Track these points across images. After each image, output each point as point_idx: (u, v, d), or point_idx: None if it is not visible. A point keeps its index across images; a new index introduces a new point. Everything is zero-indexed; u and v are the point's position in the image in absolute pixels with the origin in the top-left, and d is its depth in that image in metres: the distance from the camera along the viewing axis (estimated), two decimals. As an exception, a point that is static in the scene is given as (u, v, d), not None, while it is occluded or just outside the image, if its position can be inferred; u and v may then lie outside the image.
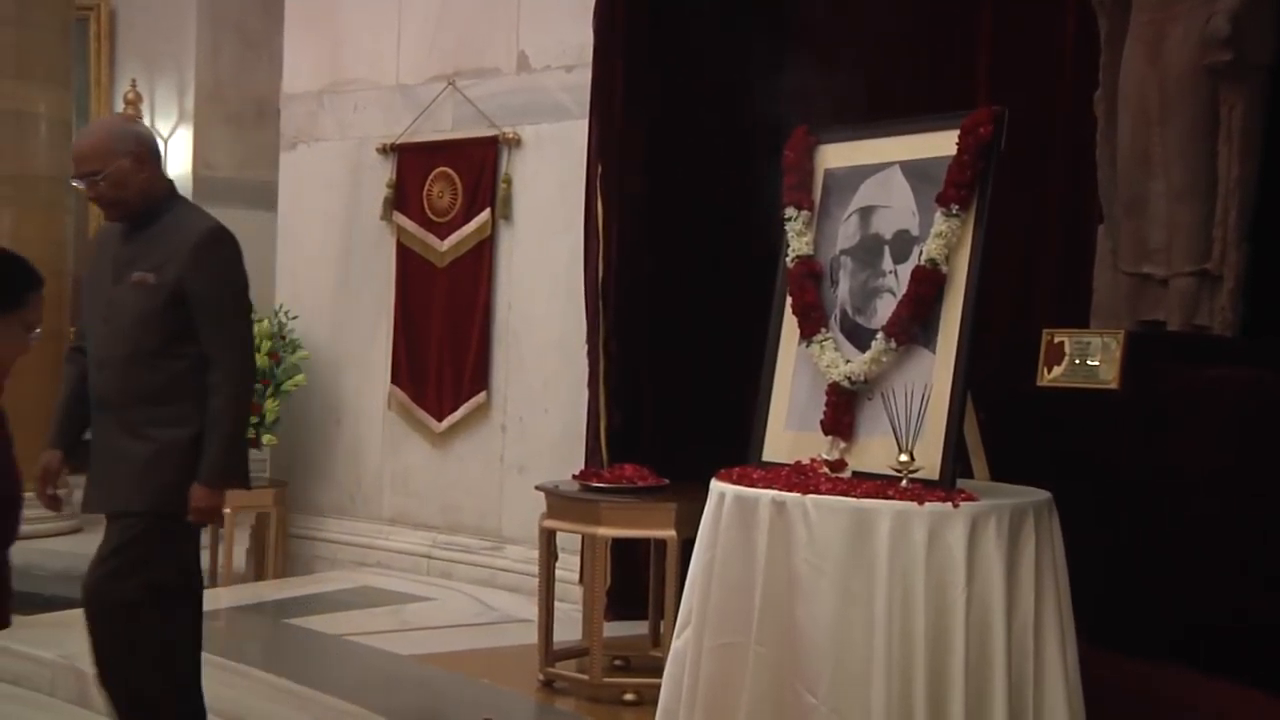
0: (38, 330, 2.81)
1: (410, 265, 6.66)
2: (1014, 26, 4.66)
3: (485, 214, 6.38)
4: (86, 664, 4.51)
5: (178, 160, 10.07)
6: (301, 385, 6.87)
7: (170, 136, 10.12)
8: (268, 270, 7.46)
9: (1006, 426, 3.80)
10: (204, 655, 4.69)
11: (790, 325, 3.84)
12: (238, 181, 9.85)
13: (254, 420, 6.68)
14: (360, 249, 6.91)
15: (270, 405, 6.73)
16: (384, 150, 6.77)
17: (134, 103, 10.12)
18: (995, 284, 4.06)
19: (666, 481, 4.53)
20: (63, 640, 4.86)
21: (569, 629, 4.82)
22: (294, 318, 6.97)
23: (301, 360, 6.92)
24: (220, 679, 4.43)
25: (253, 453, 6.87)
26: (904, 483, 3.28)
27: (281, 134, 7.40)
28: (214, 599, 5.99)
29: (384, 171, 6.77)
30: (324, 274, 7.07)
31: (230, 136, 10.02)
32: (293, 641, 5.08)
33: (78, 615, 5.41)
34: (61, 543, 8.07)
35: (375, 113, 6.89)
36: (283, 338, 6.90)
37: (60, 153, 8.52)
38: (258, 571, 6.78)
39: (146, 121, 10.13)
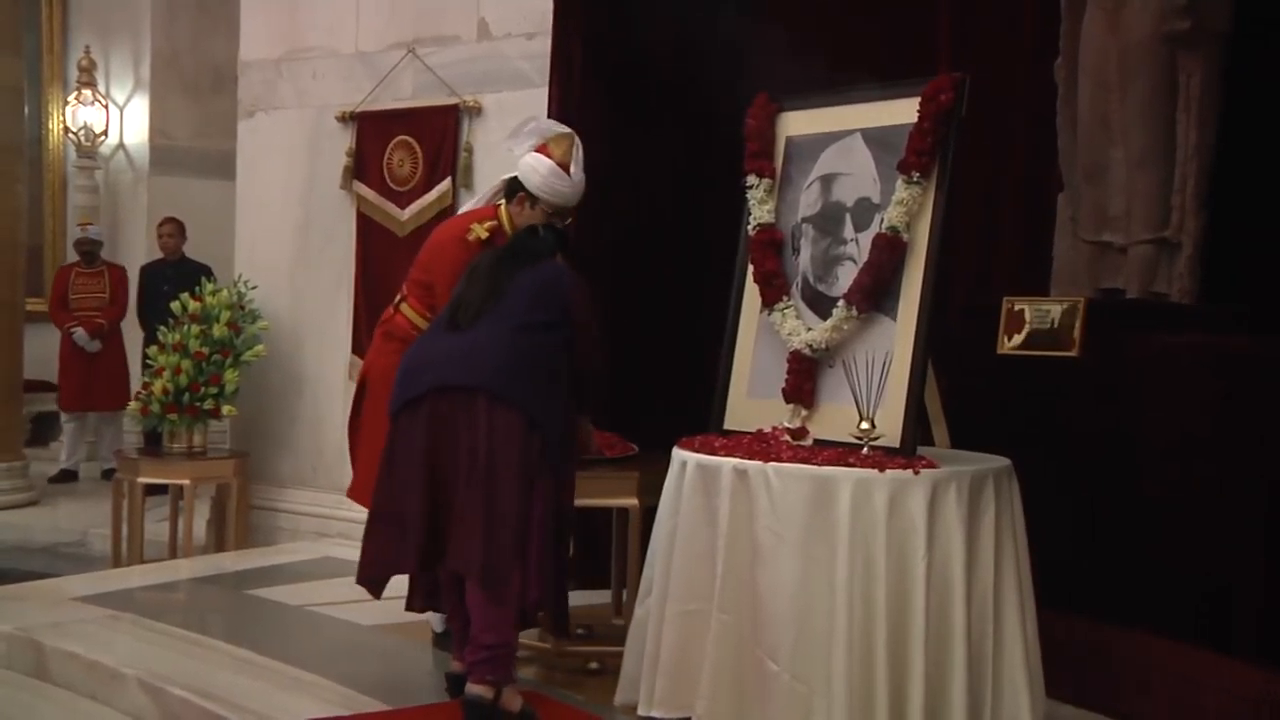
0: None
1: (371, 234, 6.61)
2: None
3: (446, 183, 6.33)
4: (43, 635, 4.50)
5: (133, 129, 9.95)
6: (262, 356, 6.82)
7: (125, 105, 9.99)
8: (227, 240, 7.40)
9: (967, 394, 3.82)
10: (164, 627, 4.69)
11: (752, 293, 3.85)
12: (195, 150, 9.75)
13: (214, 391, 6.63)
14: (320, 218, 6.84)
15: (230, 376, 6.67)
16: (343, 118, 6.70)
17: (88, 70, 9.96)
18: (956, 252, 4.08)
19: (635, 449, 4.49)
20: (19, 613, 4.82)
21: (532, 598, 4.80)
22: (253, 288, 6.91)
23: (261, 330, 6.86)
24: (182, 650, 4.42)
25: (213, 424, 6.85)
26: (865, 450, 3.29)
27: (239, 102, 7.30)
28: (174, 570, 5.97)
29: (343, 140, 6.71)
30: (283, 244, 7.00)
31: (187, 105, 9.89)
32: (254, 612, 5.06)
33: (33, 587, 5.40)
34: (17, 515, 8.02)
35: (334, 81, 6.82)
36: (242, 308, 6.84)
37: (12, 122, 8.39)
38: (218, 543, 6.74)
39: (101, 90, 10.00)
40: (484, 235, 4.28)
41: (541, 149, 4.26)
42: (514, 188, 4.34)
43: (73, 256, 9.57)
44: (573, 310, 3.77)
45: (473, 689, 3.52)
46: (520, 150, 4.33)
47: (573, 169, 4.24)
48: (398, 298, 4.50)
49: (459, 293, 3.81)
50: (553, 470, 3.62)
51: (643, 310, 5.44)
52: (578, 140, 4.32)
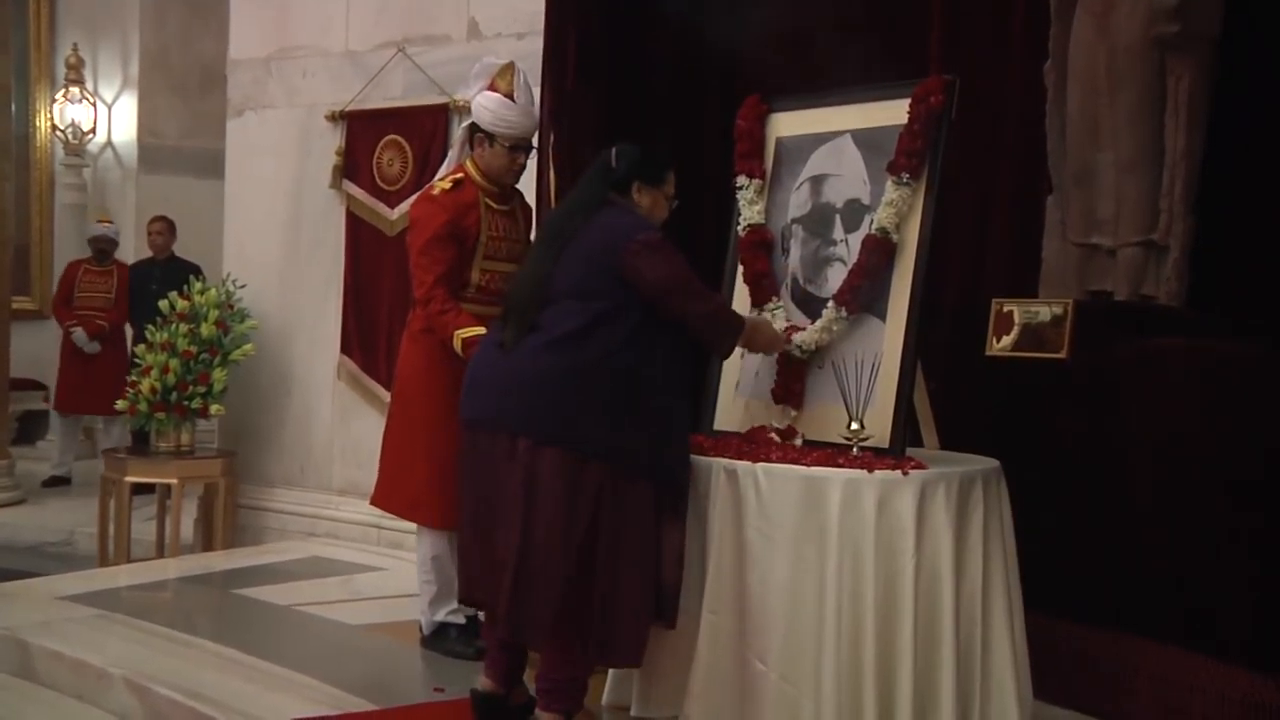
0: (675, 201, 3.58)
1: (360, 234, 6.60)
2: (966, -4, 4.67)
3: (435, 182, 6.33)
4: (29, 635, 4.48)
5: (122, 128, 9.92)
6: (250, 355, 6.80)
7: (114, 104, 9.95)
8: (215, 239, 7.39)
9: (956, 395, 3.83)
10: (151, 626, 4.68)
11: (741, 294, 3.86)
12: (184, 149, 9.73)
13: (201, 390, 6.62)
14: (309, 217, 6.83)
15: (218, 375, 6.65)
16: (333, 118, 6.69)
17: (76, 68, 9.93)
18: (945, 253, 4.08)
19: None
20: (5, 612, 4.81)
21: (520, 598, 4.79)
22: (242, 286, 6.89)
23: (250, 330, 6.85)
24: (169, 650, 4.41)
25: (201, 423, 6.84)
26: (854, 451, 3.30)
27: (228, 101, 7.28)
28: (162, 570, 5.96)
29: (333, 139, 6.70)
30: (272, 243, 6.99)
31: (176, 103, 9.87)
32: (242, 612, 5.05)
33: (19, 586, 5.38)
34: (3, 514, 8.00)
35: (324, 80, 6.81)
36: (230, 307, 6.83)
37: (-1, 118, 8.38)
38: (206, 542, 6.72)
39: (89, 87, 9.96)
40: (447, 186, 4.27)
41: (491, 87, 4.28)
42: (473, 132, 4.36)
43: (63, 254, 9.54)
44: (638, 284, 3.32)
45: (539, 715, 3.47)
46: (472, 94, 4.36)
47: (517, 95, 4.25)
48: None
49: (512, 281, 3.54)
50: (625, 493, 3.27)
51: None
52: (520, 68, 4.32)
